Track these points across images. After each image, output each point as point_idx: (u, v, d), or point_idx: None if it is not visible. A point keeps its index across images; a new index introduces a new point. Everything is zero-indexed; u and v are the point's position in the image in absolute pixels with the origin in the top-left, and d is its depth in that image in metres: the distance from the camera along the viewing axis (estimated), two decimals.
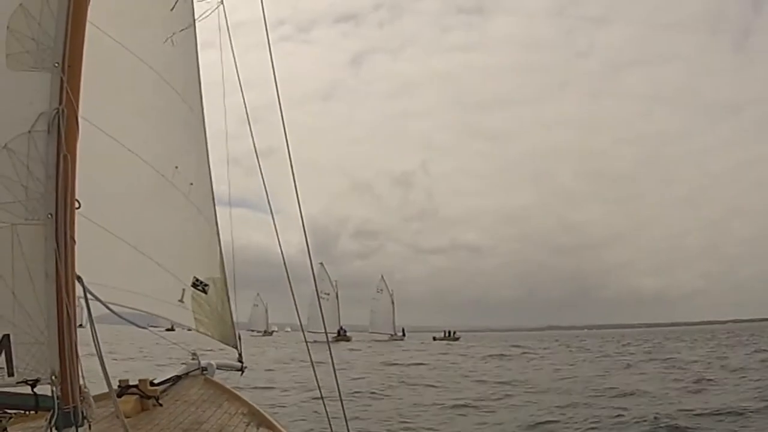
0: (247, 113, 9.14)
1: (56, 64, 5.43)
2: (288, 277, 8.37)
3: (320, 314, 9.05)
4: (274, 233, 8.71)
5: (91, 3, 5.67)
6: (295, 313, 8.42)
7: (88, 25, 5.74)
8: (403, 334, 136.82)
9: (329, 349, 7.76)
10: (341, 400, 7.18)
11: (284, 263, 8.41)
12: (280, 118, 8.00)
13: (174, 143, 9.53)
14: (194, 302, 10.03)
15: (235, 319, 10.88)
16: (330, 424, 7.08)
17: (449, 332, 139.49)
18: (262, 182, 8.94)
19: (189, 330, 10.43)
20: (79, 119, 6.72)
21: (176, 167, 9.47)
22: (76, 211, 6.28)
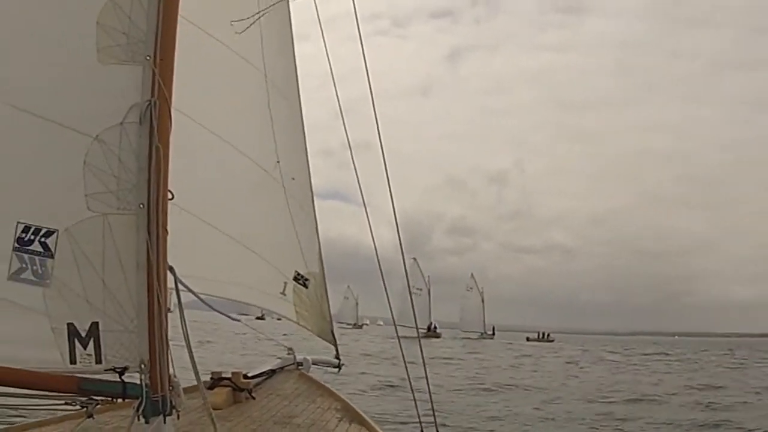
0: (339, 106, 9.17)
1: (148, 57, 5.50)
2: (381, 271, 8.37)
3: (411, 309, 8.79)
4: (367, 227, 8.71)
5: None
6: (386, 307, 8.38)
7: (182, 20, 5.82)
8: (493, 333, 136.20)
9: (420, 345, 7.69)
10: (431, 399, 7.11)
11: (377, 257, 8.40)
12: (373, 111, 7.96)
13: (275, 138, 9.61)
14: (295, 296, 10.11)
15: (331, 314, 10.93)
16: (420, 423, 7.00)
17: (543, 334, 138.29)
18: (355, 175, 8.94)
19: (278, 319, 10.52)
20: (179, 113, 6.86)
21: (278, 161, 9.56)
22: (177, 203, 6.39)
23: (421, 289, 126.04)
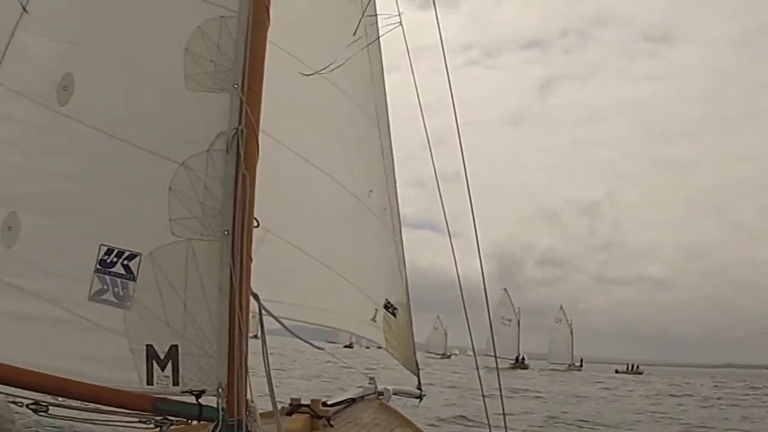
0: (427, 136, 9.17)
1: (236, 86, 5.59)
2: (463, 301, 8.28)
3: (492, 341, 8.69)
4: (451, 256, 8.67)
5: (271, 26, 5.80)
6: (476, 337, 8.32)
7: (272, 46, 5.90)
8: (581, 365, 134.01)
9: (498, 377, 7.57)
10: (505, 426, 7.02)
11: (460, 287, 8.33)
12: (458, 142, 7.94)
13: (368, 167, 9.69)
14: (385, 323, 10.10)
15: (415, 344, 10.92)
16: None
17: (632, 366, 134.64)
18: (441, 206, 8.92)
19: (367, 348, 10.57)
20: (273, 139, 6.97)
21: (370, 191, 9.63)
22: (270, 229, 6.46)
23: (510, 320, 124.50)
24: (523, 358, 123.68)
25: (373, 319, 9.94)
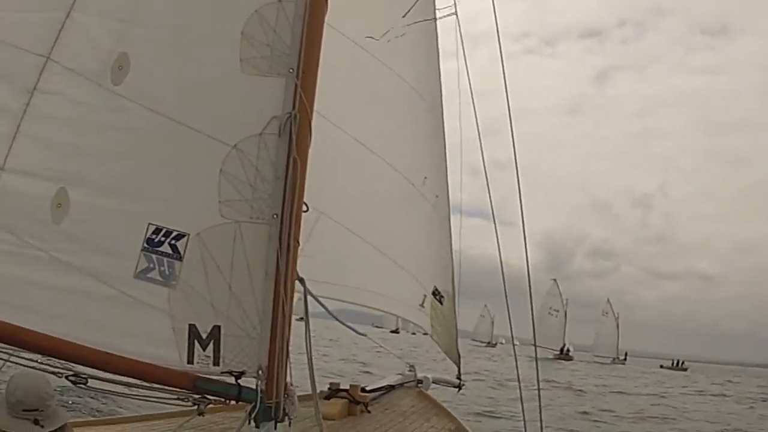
0: (477, 125, 9.15)
1: (291, 70, 5.59)
2: (505, 291, 8.27)
3: (533, 331, 8.62)
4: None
5: (329, 12, 5.79)
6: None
7: (330, 29, 5.90)
8: (625, 358, 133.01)
9: (536, 370, 7.52)
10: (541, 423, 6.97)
11: (503, 276, 8.30)
12: (510, 130, 7.88)
13: (423, 154, 9.68)
14: (432, 310, 10.12)
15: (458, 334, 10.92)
16: None
17: (677, 362, 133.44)
18: (487, 194, 8.89)
19: (413, 334, 10.60)
20: (328, 122, 6.98)
21: (425, 178, 9.62)
22: (324, 210, 6.46)
23: (558, 311, 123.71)
24: (568, 350, 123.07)
25: (422, 305, 9.96)
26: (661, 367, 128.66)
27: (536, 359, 7.52)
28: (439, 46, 9.74)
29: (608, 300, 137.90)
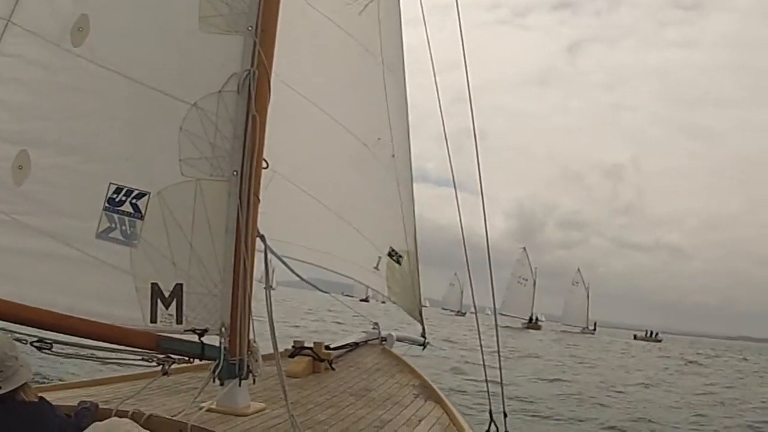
0: (438, 97, 9.17)
1: (250, 28, 5.59)
2: (467, 259, 8.29)
3: (493, 300, 8.65)
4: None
5: None
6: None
7: None
8: (594, 329, 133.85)
9: (497, 337, 7.56)
10: (502, 385, 7.05)
11: (464, 245, 8.34)
12: (469, 101, 7.89)
13: (378, 115, 9.63)
14: (389, 271, 10.17)
15: (422, 294, 10.95)
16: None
17: (651, 333, 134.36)
18: (449, 163, 8.90)
19: (383, 302, 10.63)
20: (284, 84, 6.97)
21: (379, 138, 9.60)
22: (277, 171, 6.47)
23: (526, 280, 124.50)
24: (537, 319, 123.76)
25: (376, 267, 10.01)
26: (635, 337, 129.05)
27: (496, 327, 7.56)
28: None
29: (578, 270, 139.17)
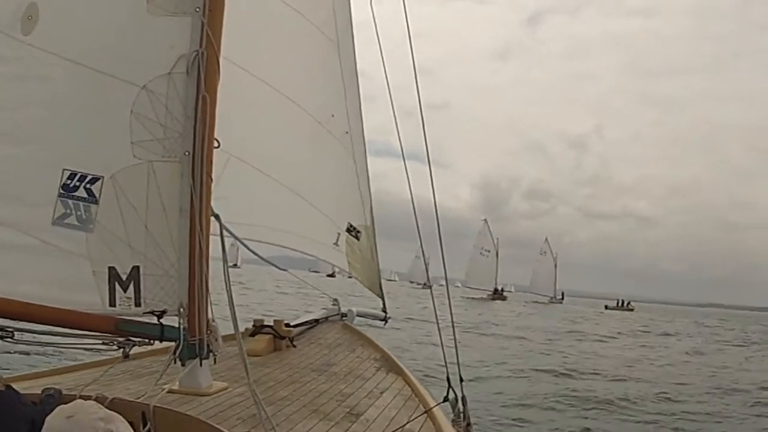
0: (384, 70, 9.17)
1: (197, 9, 5.60)
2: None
3: (444, 271, 8.67)
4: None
5: None
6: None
7: None
8: (562, 298, 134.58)
9: (450, 308, 7.60)
10: (457, 354, 7.14)
11: (413, 214, 8.35)
12: (413, 70, 7.91)
13: (330, 91, 9.70)
14: (348, 247, 10.28)
15: (384, 267, 11.03)
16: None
17: (622, 302, 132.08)
18: (399, 136, 8.93)
19: (350, 277, 10.65)
20: (234, 64, 6.98)
21: (332, 115, 9.67)
22: (231, 152, 6.50)
23: (489, 251, 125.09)
24: (502, 290, 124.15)
25: (336, 243, 10.10)
26: (606, 307, 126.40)
27: (449, 297, 7.61)
28: None
29: (546, 239, 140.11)
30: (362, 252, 10.42)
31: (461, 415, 6.90)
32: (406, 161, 8.43)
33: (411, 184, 8.33)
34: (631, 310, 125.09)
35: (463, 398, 6.85)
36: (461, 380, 6.90)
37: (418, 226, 8.11)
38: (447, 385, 6.78)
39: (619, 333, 54.71)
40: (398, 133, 8.50)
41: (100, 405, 3.30)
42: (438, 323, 7.24)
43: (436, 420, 6.05)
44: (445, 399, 6.63)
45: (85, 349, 5.70)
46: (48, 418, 3.22)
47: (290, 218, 9.45)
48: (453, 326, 7.17)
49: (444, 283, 7.81)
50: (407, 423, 5.89)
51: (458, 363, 7.02)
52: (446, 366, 6.92)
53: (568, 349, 36.26)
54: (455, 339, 7.16)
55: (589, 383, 24.07)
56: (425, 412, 6.22)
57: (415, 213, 8.06)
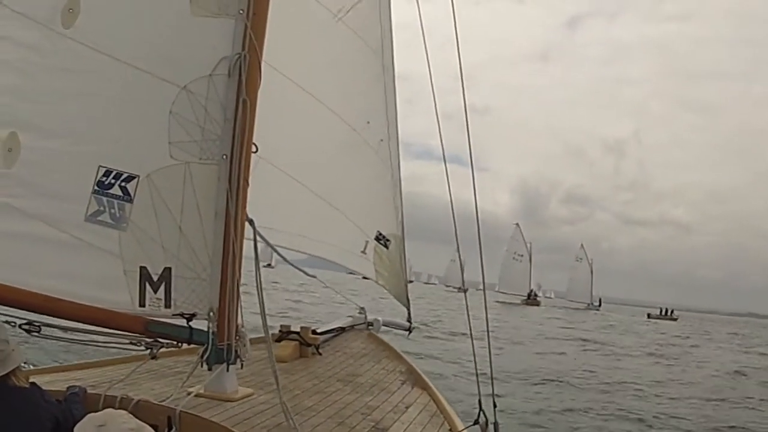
0: (429, 73, 9.05)
1: (241, 11, 5.58)
2: (456, 236, 8.18)
3: (482, 276, 8.54)
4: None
5: None
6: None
7: None
8: (599, 305, 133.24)
9: (486, 315, 7.45)
10: (492, 374, 7.01)
11: (454, 220, 8.22)
12: (460, 78, 7.79)
13: (367, 99, 9.63)
14: (376, 255, 10.18)
15: (410, 271, 10.95)
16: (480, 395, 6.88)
17: (666, 311, 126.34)
18: (441, 141, 8.82)
19: (377, 281, 10.55)
20: (272, 68, 6.93)
21: (368, 122, 9.58)
22: (264, 156, 6.46)
23: (522, 256, 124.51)
24: (536, 295, 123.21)
25: (363, 252, 10.02)
26: (649, 316, 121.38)
27: (485, 309, 7.45)
28: None
29: (582, 245, 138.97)
30: (391, 261, 10.35)
31: None
32: (447, 165, 8.30)
33: (451, 188, 8.20)
34: (675, 319, 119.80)
35: (496, 424, 6.62)
36: (495, 406, 6.69)
37: (456, 234, 7.96)
38: (478, 407, 6.60)
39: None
40: (441, 137, 8.36)
41: (130, 415, 3.27)
42: (472, 337, 7.08)
43: None
44: (476, 422, 6.46)
45: (113, 348, 5.68)
46: (78, 426, 3.19)
47: (317, 225, 9.36)
48: (489, 340, 6.97)
49: (481, 287, 7.65)
50: None
51: (492, 387, 6.85)
52: (478, 386, 6.76)
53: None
54: (490, 357, 6.97)
55: None
56: None
57: (454, 219, 7.92)
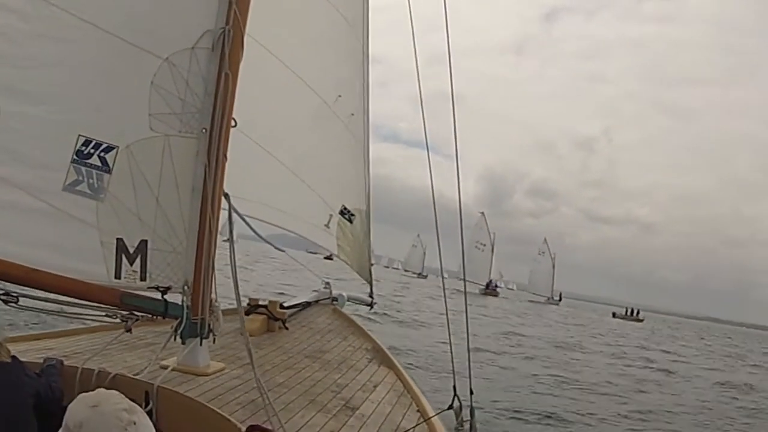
0: (416, 56, 9.05)
1: None
2: (437, 224, 8.19)
3: (441, 263, 8.55)
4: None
5: None
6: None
7: None
8: (560, 299, 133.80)
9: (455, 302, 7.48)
10: (468, 355, 6.99)
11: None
12: (449, 66, 7.78)
13: (340, 73, 9.64)
14: (339, 229, 10.23)
15: (371, 253, 11.02)
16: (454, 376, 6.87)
17: (632, 311, 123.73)
18: (424, 125, 8.82)
19: (332, 259, 10.58)
20: (253, 42, 6.90)
21: (339, 96, 9.57)
22: (233, 127, 6.46)
23: (485, 245, 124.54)
24: (495, 285, 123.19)
25: (327, 225, 10.05)
26: (614, 315, 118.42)
27: (444, 296, 7.47)
28: None
29: (545, 240, 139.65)
30: (354, 235, 10.39)
31: (468, 424, 6.67)
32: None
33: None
34: (641, 320, 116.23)
35: (471, 409, 6.62)
36: (471, 392, 6.67)
37: (437, 221, 7.95)
38: (453, 392, 6.58)
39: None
40: (424, 124, 8.32)
41: (122, 395, 3.28)
42: (449, 325, 7.05)
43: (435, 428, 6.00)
44: (450, 407, 6.46)
45: (89, 320, 5.66)
46: (71, 406, 3.18)
47: (284, 196, 9.37)
48: (467, 328, 6.90)
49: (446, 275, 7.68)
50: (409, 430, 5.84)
51: (470, 373, 6.82)
52: (454, 372, 6.75)
53: None
54: (468, 342, 6.95)
55: None
56: (425, 420, 6.17)
57: (435, 206, 7.91)
